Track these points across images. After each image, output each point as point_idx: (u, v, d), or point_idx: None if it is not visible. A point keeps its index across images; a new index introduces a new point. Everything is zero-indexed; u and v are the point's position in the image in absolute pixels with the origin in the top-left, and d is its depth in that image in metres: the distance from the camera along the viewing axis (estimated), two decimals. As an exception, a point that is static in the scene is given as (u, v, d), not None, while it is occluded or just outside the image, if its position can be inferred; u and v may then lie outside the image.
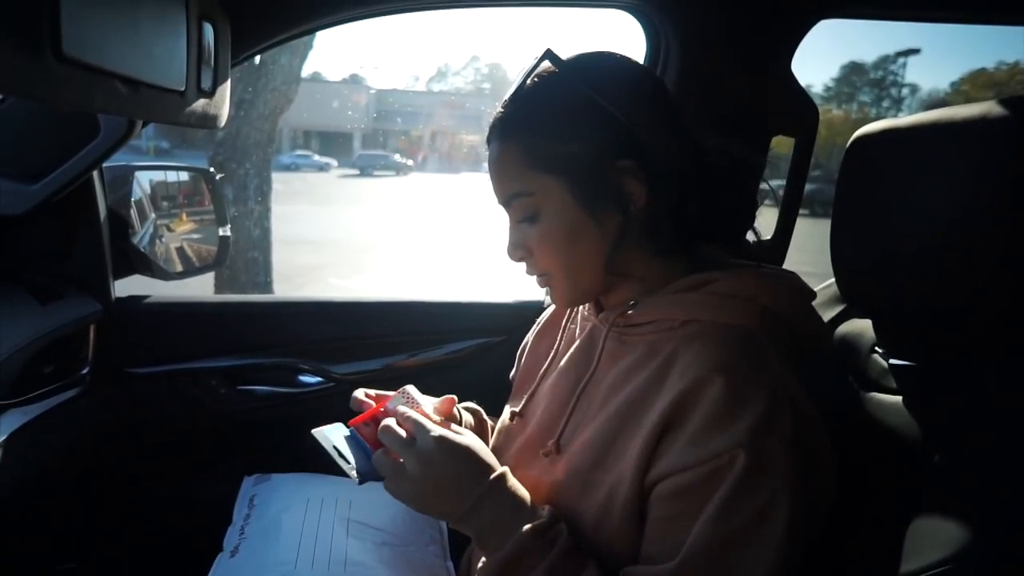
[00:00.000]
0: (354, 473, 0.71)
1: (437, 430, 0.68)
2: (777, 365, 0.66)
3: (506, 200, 0.74)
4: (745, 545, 0.59)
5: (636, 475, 0.64)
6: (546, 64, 0.72)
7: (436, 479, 0.66)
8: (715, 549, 0.59)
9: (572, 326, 0.87)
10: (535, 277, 0.78)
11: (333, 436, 0.74)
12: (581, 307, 0.86)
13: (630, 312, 0.74)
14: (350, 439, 0.74)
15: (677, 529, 0.61)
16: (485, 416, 0.96)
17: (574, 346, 0.82)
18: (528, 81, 0.72)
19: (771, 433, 0.60)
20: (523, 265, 0.78)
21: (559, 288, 0.76)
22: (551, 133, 0.70)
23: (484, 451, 0.70)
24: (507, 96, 0.74)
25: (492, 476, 0.68)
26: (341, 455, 0.72)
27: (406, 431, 0.69)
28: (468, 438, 0.70)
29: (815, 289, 1.04)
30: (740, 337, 0.67)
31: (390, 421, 0.70)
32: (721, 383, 0.62)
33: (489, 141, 0.75)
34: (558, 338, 0.88)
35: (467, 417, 0.90)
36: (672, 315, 0.71)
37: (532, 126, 0.71)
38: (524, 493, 0.69)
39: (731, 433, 0.60)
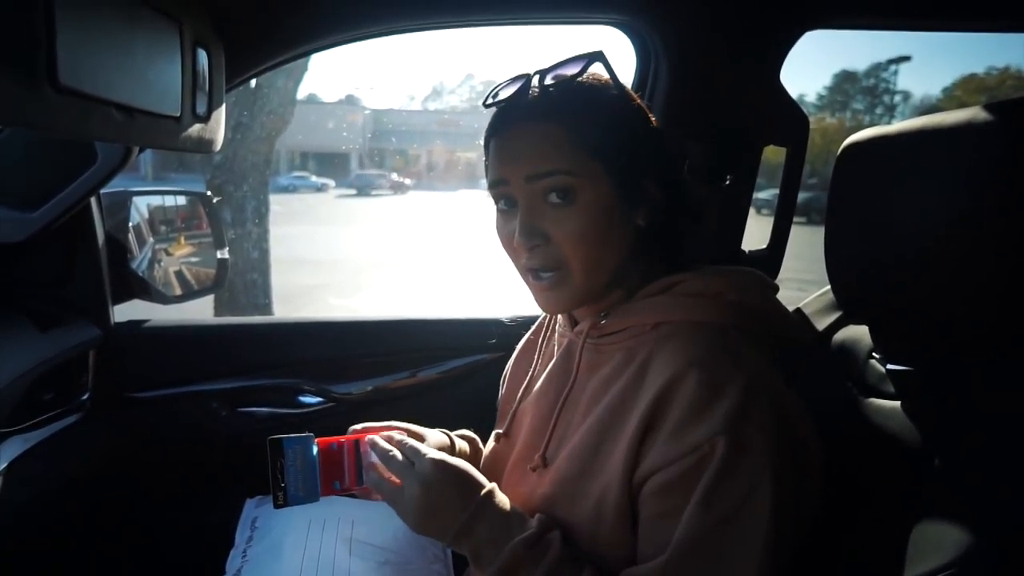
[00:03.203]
0: (280, 495, 0.73)
1: (433, 453, 0.70)
2: (752, 357, 0.67)
3: (540, 174, 0.69)
4: (731, 529, 0.60)
5: (623, 478, 0.65)
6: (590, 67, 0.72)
7: (433, 499, 0.68)
8: (703, 536, 0.60)
9: (549, 344, 0.88)
10: (534, 273, 0.73)
11: (289, 450, 0.74)
12: (557, 325, 0.87)
13: (603, 322, 0.75)
14: (304, 454, 0.75)
15: (668, 524, 0.62)
16: (480, 444, 0.96)
17: (552, 362, 0.83)
18: (571, 72, 0.71)
19: (749, 420, 0.61)
20: (524, 261, 0.74)
21: (571, 284, 0.72)
22: (604, 126, 0.70)
23: (474, 471, 0.71)
24: (545, 79, 0.72)
25: (482, 492, 0.69)
26: (280, 475, 0.73)
27: (403, 455, 0.71)
28: (459, 460, 0.72)
29: (812, 296, 1.05)
30: (712, 333, 0.69)
31: (387, 445, 0.73)
32: (696, 376, 0.63)
33: (522, 118, 0.71)
34: (536, 357, 0.89)
35: (462, 444, 0.91)
36: (643, 319, 0.73)
37: (585, 115, 0.70)
38: (513, 507, 0.71)
39: (709, 422, 0.61)
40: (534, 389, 0.85)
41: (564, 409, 0.77)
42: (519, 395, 0.87)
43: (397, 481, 0.71)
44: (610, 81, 0.73)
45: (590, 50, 0.72)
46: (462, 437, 0.93)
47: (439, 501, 0.68)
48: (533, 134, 0.70)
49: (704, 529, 0.60)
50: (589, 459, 0.70)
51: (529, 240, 0.71)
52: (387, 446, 0.73)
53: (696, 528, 0.60)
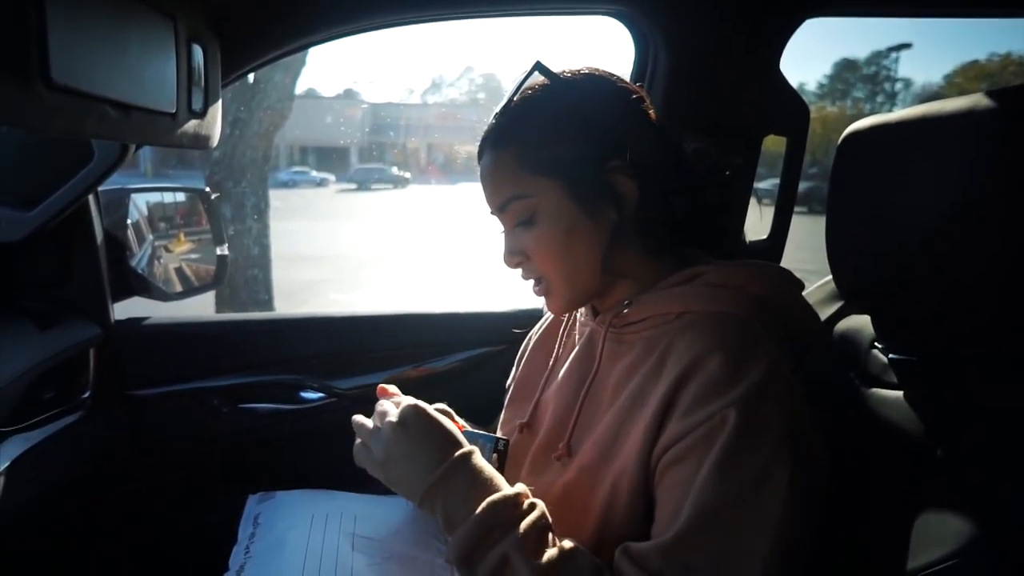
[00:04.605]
0: None
1: (416, 401, 0.73)
2: (771, 347, 0.67)
3: (501, 205, 0.76)
4: (745, 504, 0.59)
5: (640, 460, 0.65)
6: (535, 77, 0.75)
7: (406, 442, 0.69)
8: (714, 509, 0.59)
9: (571, 333, 0.88)
10: (531, 284, 0.79)
11: None
12: (578, 314, 0.87)
13: (625, 312, 0.76)
14: None
15: (677, 496, 0.62)
16: (455, 417, 0.96)
17: (574, 352, 0.83)
18: (518, 93, 0.75)
19: (765, 400, 0.61)
20: (520, 273, 0.80)
21: (557, 291, 0.77)
22: (545, 138, 0.73)
23: (456, 431, 0.71)
24: (498, 108, 0.76)
25: (459, 452, 0.68)
26: None
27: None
28: (442, 416, 0.72)
29: (814, 286, 1.04)
30: (734, 322, 0.69)
31: (382, 401, 0.76)
32: (717, 360, 0.64)
33: (482, 153, 0.77)
34: (557, 346, 0.89)
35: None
36: (666, 309, 0.73)
37: (526, 133, 0.73)
38: (494, 472, 0.69)
39: (725, 397, 0.61)
40: (557, 379, 0.85)
41: (587, 399, 0.77)
42: (541, 385, 0.87)
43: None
44: (561, 88, 0.74)
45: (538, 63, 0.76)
46: (436, 410, 0.93)
47: (410, 448, 0.68)
48: (490, 166, 0.76)
49: (717, 499, 0.59)
50: (610, 445, 0.70)
51: (511, 260, 0.79)
52: (382, 402, 0.76)
53: (708, 498, 0.59)
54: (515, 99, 0.75)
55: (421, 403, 0.72)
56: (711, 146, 0.78)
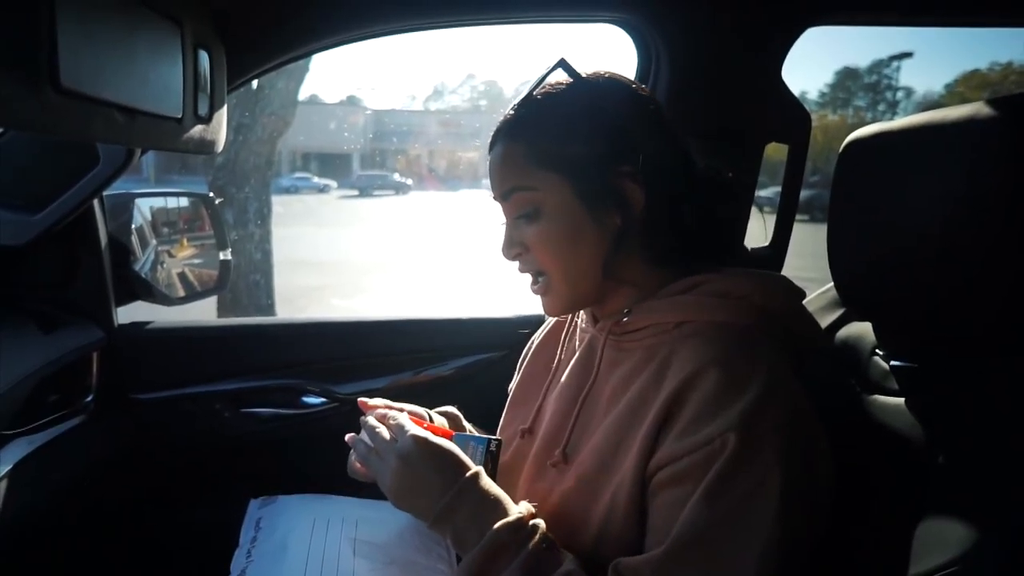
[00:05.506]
0: None
1: (416, 430, 0.72)
2: (773, 358, 0.67)
3: (506, 193, 0.76)
4: (735, 523, 0.59)
5: (637, 473, 0.65)
6: (557, 74, 0.76)
7: (411, 476, 0.70)
8: (704, 529, 0.59)
9: (572, 339, 0.88)
10: (529, 280, 0.79)
11: None
12: (579, 321, 0.87)
13: (625, 319, 0.76)
14: None
15: (671, 515, 0.62)
16: (463, 421, 0.96)
17: (574, 358, 0.83)
18: (539, 88, 0.75)
19: (764, 417, 0.61)
20: (525, 279, 0.80)
21: (555, 290, 0.77)
22: (558, 134, 0.73)
23: (459, 452, 0.72)
24: (517, 100, 0.76)
25: (467, 474, 0.69)
26: None
27: (389, 431, 0.74)
28: (445, 440, 0.73)
29: (815, 293, 1.04)
30: (735, 333, 0.69)
31: (375, 422, 0.76)
32: (716, 373, 0.64)
33: (494, 143, 0.77)
34: (558, 352, 0.89)
35: (440, 420, 0.91)
36: (666, 318, 0.73)
37: (541, 127, 0.74)
38: (500, 492, 0.70)
39: (725, 417, 0.61)
40: (558, 385, 0.85)
41: (585, 405, 0.77)
42: (543, 390, 0.87)
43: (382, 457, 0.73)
44: (581, 88, 0.74)
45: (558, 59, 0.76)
46: (442, 413, 0.93)
47: (418, 479, 0.70)
48: (499, 156, 0.75)
49: (706, 522, 0.59)
50: (609, 455, 0.70)
51: (509, 251, 0.78)
52: (375, 423, 0.76)
53: (698, 520, 0.60)
54: (535, 93, 0.75)
55: (420, 432, 0.72)
56: (712, 154, 0.78)
